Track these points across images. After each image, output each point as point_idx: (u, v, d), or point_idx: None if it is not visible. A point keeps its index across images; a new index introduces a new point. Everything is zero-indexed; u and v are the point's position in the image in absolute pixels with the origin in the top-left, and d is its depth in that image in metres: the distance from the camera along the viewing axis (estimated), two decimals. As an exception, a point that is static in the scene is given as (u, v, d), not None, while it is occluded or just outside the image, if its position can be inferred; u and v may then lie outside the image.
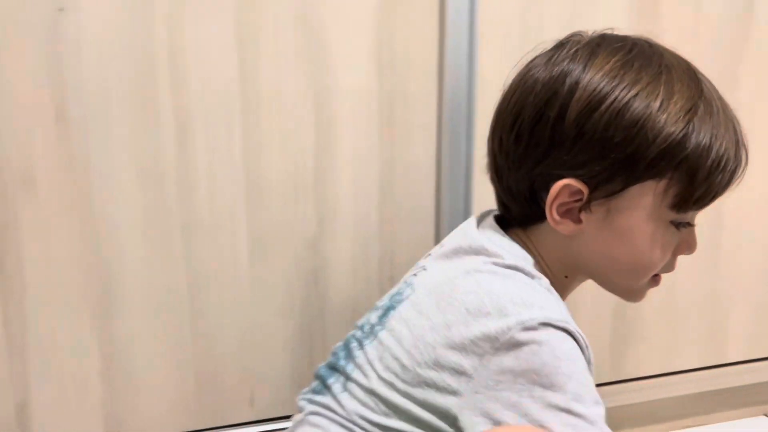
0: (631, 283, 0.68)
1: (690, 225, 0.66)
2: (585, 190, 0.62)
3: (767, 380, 1.04)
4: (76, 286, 0.79)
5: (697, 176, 0.61)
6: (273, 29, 0.78)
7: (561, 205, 0.63)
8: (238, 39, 0.77)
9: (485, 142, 0.85)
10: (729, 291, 1.00)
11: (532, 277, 0.62)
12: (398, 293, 0.67)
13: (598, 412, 0.57)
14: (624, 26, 0.89)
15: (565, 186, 0.62)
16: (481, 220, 0.70)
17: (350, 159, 0.84)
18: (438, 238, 0.89)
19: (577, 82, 0.61)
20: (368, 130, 0.83)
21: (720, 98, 0.64)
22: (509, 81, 0.67)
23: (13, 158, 0.74)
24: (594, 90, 0.60)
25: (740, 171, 0.64)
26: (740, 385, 1.03)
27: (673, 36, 0.89)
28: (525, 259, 0.64)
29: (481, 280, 0.62)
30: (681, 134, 0.60)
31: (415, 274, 0.68)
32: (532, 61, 0.67)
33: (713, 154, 0.61)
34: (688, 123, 0.60)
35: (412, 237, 0.88)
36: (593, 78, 0.61)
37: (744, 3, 0.92)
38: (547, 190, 0.63)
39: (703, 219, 0.68)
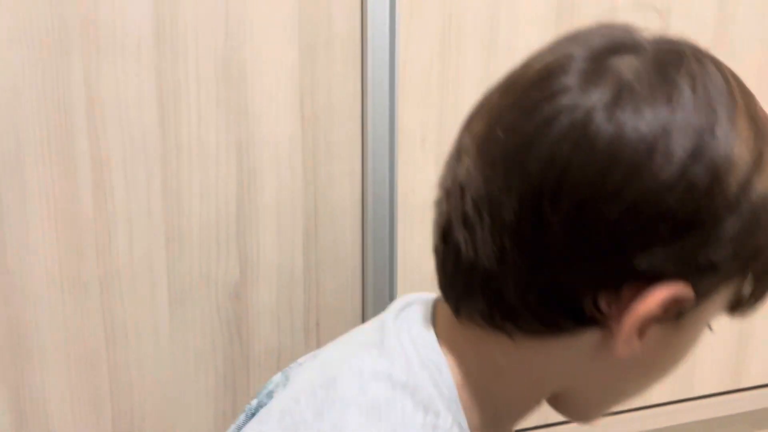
0: (624, 400, 0.51)
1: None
2: (692, 298, 0.42)
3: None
4: (-13, 339, 0.76)
5: None
6: (195, 78, 0.78)
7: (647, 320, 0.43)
8: (158, 87, 0.77)
9: (409, 189, 0.88)
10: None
11: (425, 411, 0.44)
12: (257, 406, 0.53)
13: None
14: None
15: (672, 293, 0.42)
16: (411, 303, 0.52)
17: (273, 207, 0.84)
18: (364, 285, 0.89)
19: (724, 140, 0.41)
20: (292, 178, 0.84)
21: None
22: (526, 117, 0.43)
23: None
24: (752, 150, 0.42)
25: None
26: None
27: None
28: (437, 374, 0.45)
29: (333, 407, 0.44)
30: None
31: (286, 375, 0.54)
32: (585, 103, 0.41)
33: None
34: None
35: (338, 284, 0.88)
36: (738, 129, 0.42)
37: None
38: (618, 293, 0.42)
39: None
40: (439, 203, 0.48)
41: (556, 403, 0.50)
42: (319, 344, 0.88)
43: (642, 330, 0.43)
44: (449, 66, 0.86)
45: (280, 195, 0.84)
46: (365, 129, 0.84)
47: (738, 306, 0.47)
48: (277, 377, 0.58)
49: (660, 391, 1.04)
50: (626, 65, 0.42)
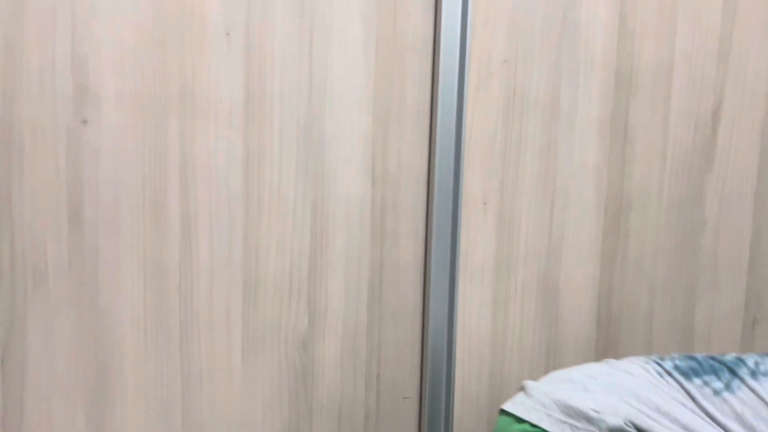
0: None
1: None
2: None
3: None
4: (74, 377, 0.81)
5: None
6: (278, 142, 0.85)
7: None
8: (246, 149, 0.84)
9: (470, 250, 0.92)
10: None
11: None
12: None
13: None
14: (594, 157, 0.97)
15: None
16: None
17: (342, 261, 0.89)
18: (423, 341, 0.93)
19: None
20: (360, 235, 0.89)
21: None
22: None
23: (27, 256, 0.79)
24: None
25: None
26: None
27: (643, 159, 0.97)
28: None
29: None
30: None
31: None
32: None
33: None
34: None
35: (399, 338, 0.92)
36: None
37: (709, 128, 1.01)
38: None
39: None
40: None
41: None
42: (379, 395, 0.92)
43: None
44: (512, 134, 0.92)
45: (349, 250, 0.89)
46: (431, 191, 0.90)
47: None
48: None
49: None
50: None
